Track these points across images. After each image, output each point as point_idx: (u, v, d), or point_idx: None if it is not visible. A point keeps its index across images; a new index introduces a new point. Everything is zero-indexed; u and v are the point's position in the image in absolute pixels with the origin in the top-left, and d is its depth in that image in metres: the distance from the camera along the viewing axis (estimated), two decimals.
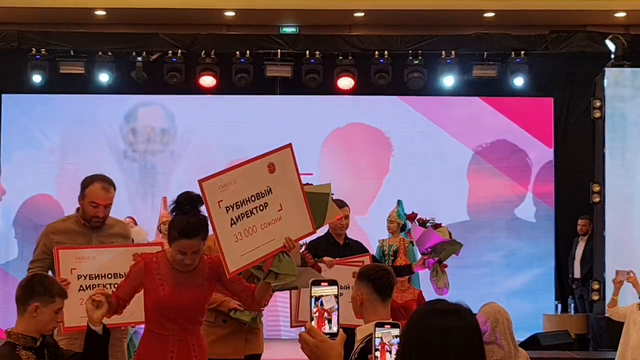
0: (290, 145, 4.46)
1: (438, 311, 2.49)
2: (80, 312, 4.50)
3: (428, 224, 8.33)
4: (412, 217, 9.08)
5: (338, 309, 2.48)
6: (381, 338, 2.63)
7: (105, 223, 5.34)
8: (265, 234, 4.22)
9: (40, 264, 5.21)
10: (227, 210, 4.13)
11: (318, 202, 4.54)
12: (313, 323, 2.44)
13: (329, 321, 2.47)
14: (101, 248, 5.15)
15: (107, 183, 5.31)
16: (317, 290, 2.48)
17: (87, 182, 5.30)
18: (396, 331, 2.62)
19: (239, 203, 4.16)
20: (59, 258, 4.95)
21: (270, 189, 4.27)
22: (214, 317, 5.54)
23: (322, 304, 2.47)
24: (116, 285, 4.69)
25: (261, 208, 4.23)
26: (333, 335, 2.45)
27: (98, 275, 5.01)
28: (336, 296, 2.50)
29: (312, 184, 4.97)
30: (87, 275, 4.98)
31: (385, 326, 2.64)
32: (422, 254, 7.99)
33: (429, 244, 8.48)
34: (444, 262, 8.54)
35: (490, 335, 4.78)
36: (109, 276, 4.99)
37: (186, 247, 4.40)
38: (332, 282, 2.51)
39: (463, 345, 2.43)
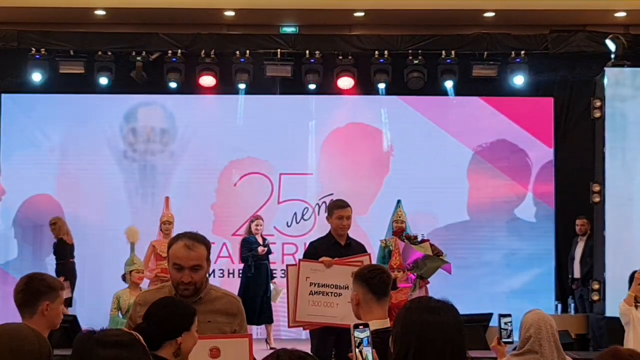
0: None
1: (434, 309, 2.54)
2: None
3: (417, 239, 8.49)
4: (399, 232, 9.17)
5: None
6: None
7: (208, 295, 4.14)
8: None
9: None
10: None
11: None
12: None
13: None
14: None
15: (193, 240, 4.10)
16: None
17: (171, 242, 4.19)
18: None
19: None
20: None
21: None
22: None
23: None
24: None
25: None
26: None
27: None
28: None
29: None
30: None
31: (360, 327, 2.83)
32: (406, 269, 8.09)
33: (410, 259, 8.62)
34: (427, 279, 8.64)
35: (534, 343, 4.76)
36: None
37: None
38: None
39: (458, 341, 2.52)
